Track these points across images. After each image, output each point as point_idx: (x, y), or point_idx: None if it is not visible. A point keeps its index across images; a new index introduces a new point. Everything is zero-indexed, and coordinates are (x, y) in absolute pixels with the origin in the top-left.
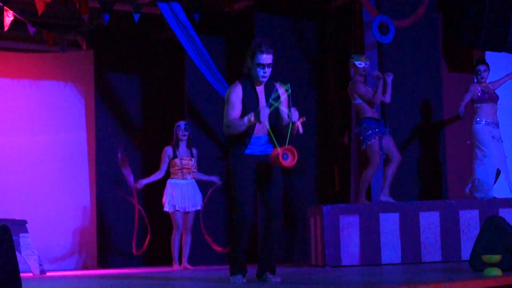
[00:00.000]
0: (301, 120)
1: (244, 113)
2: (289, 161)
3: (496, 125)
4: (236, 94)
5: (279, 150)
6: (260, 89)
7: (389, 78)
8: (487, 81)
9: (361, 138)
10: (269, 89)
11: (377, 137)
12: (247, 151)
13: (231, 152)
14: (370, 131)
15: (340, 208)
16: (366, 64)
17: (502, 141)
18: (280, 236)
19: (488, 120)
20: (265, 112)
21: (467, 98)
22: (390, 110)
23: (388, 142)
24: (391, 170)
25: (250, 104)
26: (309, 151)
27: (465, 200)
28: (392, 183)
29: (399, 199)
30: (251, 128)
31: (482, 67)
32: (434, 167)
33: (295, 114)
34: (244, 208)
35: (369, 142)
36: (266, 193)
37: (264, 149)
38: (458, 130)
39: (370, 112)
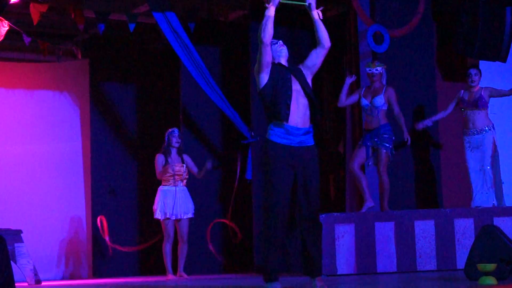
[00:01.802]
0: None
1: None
2: None
3: (477, 132)
4: None
5: None
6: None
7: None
8: (483, 86)
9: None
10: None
11: (366, 145)
12: (282, 140)
13: (266, 140)
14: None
15: (335, 217)
16: (375, 70)
17: (482, 148)
18: (320, 238)
19: (465, 129)
20: None
21: (444, 114)
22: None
23: (380, 154)
24: (383, 184)
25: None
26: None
27: (460, 209)
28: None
29: (394, 207)
30: (284, 106)
31: (473, 71)
32: (429, 175)
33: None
34: (276, 205)
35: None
36: (300, 192)
37: (302, 140)
38: (453, 139)
39: (363, 122)
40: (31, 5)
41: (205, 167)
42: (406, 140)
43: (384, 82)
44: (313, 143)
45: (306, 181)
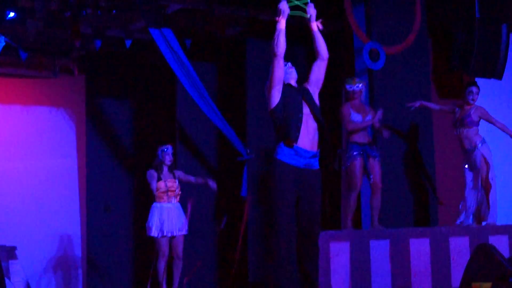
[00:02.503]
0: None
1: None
2: None
3: (467, 150)
4: None
5: None
6: None
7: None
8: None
9: (343, 159)
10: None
11: (358, 159)
12: (291, 160)
13: (275, 158)
14: (352, 152)
15: (330, 235)
16: (356, 87)
17: (475, 167)
18: (317, 258)
19: (460, 147)
20: (283, 3)
21: (433, 105)
22: (380, 136)
23: (374, 169)
24: (375, 200)
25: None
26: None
27: (455, 227)
28: (382, 209)
29: (389, 225)
30: (295, 128)
31: (474, 89)
32: (424, 193)
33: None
34: (286, 224)
35: (347, 164)
36: (303, 213)
37: (309, 162)
38: (448, 156)
39: (356, 137)
40: (28, 21)
41: (208, 183)
42: (387, 136)
43: (363, 98)
44: (318, 167)
45: (309, 203)
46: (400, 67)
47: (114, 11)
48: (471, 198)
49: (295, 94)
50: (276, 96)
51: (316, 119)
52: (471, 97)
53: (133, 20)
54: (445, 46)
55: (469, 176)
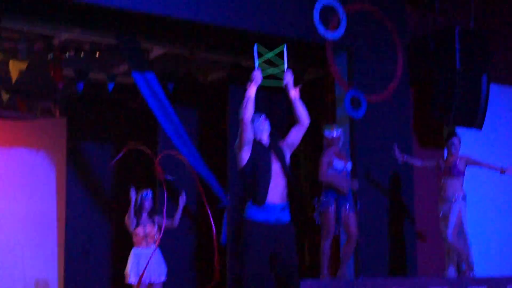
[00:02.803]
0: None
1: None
2: None
3: (446, 199)
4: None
5: None
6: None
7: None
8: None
9: (317, 206)
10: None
11: (333, 206)
12: (261, 218)
13: (245, 219)
14: (326, 199)
15: (309, 284)
16: (335, 133)
17: (449, 217)
18: None
19: (439, 196)
20: (256, 72)
21: (418, 162)
22: (361, 185)
23: (349, 218)
24: (347, 248)
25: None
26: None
27: (434, 277)
28: (361, 258)
29: (369, 274)
30: (263, 187)
31: (455, 140)
32: (404, 243)
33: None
34: (256, 282)
35: (321, 210)
36: (280, 268)
37: (279, 217)
38: (428, 206)
39: (335, 184)
40: (10, 62)
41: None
42: (356, 187)
43: (340, 145)
44: (289, 220)
45: (284, 258)
46: (382, 116)
47: (97, 55)
48: (452, 248)
49: (265, 153)
50: (245, 156)
51: (285, 175)
52: (453, 148)
53: (116, 63)
54: (426, 96)
55: (445, 226)
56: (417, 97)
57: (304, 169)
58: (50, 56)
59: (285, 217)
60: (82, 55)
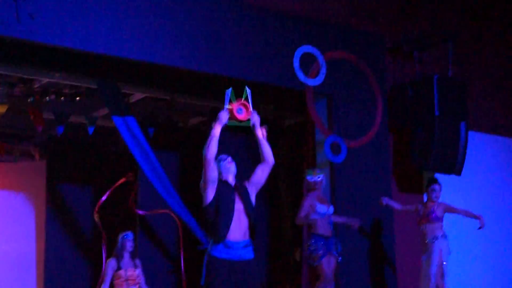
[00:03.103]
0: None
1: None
2: (243, 115)
3: (429, 242)
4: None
5: (234, 105)
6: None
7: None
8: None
9: (313, 255)
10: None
11: (326, 254)
12: (223, 255)
13: (208, 254)
14: (320, 251)
15: None
16: (317, 178)
17: (431, 256)
18: None
19: (421, 243)
20: (223, 112)
21: (398, 206)
22: (342, 230)
23: (330, 262)
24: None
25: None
26: (261, 267)
27: None
28: None
29: None
30: (225, 224)
31: (436, 187)
32: (384, 280)
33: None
34: None
35: (316, 264)
36: None
37: (242, 254)
38: (408, 249)
39: (319, 229)
40: None
41: None
42: (357, 225)
43: (322, 189)
44: (253, 257)
45: None
46: (361, 161)
47: (77, 98)
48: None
49: (229, 193)
50: (210, 195)
51: (247, 215)
52: (434, 195)
53: (96, 107)
54: (405, 142)
55: (426, 267)
56: (397, 143)
57: (287, 211)
58: (30, 99)
59: (248, 254)
60: (62, 98)
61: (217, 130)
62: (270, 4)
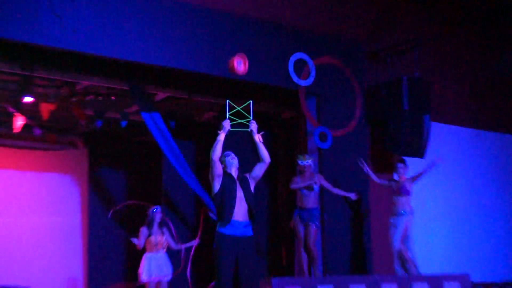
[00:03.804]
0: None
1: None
2: (242, 69)
3: (396, 214)
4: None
5: (234, 59)
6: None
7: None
8: (408, 176)
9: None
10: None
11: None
12: (229, 232)
13: (217, 231)
14: (299, 220)
15: (285, 281)
16: (306, 162)
17: (398, 228)
18: None
19: (391, 211)
20: (226, 122)
21: (375, 178)
22: (327, 201)
23: (310, 232)
24: (313, 255)
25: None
26: (262, 234)
27: (386, 275)
28: (328, 260)
29: (332, 273)
30: (230, 208)
31: (400, 165)
32: (362, 247)
33: (254, 125)
34: (224, 280)
35: (295, 229)
36: (241, 270)
37: (243, 232)
38: (381, 220)
39: (304, 202)
40: (42, 104)
41: (180, 246)
42: (356, 197)
43: (311, 171)
44: (252, 234)
45: (246, 262)
46: (344, 147)
47: (112, 98)
48: (398, 252)
49: (232, 183)
50: (216, 186)
51: (247, 201)
52: (401, 171)
53: (128, 105)
54: (380, 131)
55: (394, 234)
56: (373, 132)
57: (283, 190)
58: (73, 99)
59: (248, 232)
60: (99, 98)
61: (222, 136)
62: (270, 18)
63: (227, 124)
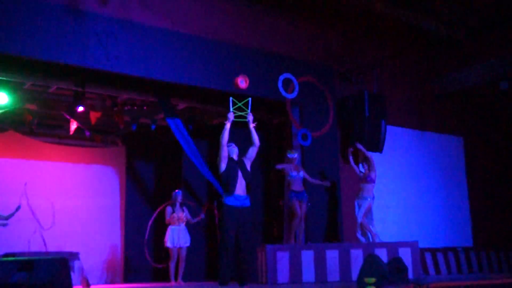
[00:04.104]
0: (253, 124)
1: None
2: (244, 85)
3: (362, 198)
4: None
5: (238, 78)
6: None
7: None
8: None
9: (290, 202)
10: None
11: (295, 201)
12: (232, 203)
13: (223, 203)
14: (294, 200)
15: (277, 247)
16: (293, 155)
17: (362, 208)
18: (248, 260)
19: (357, 195)
20: (230, 114)
21: (356, 168)
22: (309, 186)
23: (302, 207)
24: (301, 226)
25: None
26: (258, 210)
27: (354, 243)
28: (309, 231)
29: (313, 241)
30: (233, 184)
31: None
32: (335, 222)
33: (250, 116)
34: (228, 240)
35: (289, 203)
36: (241, 232)
37: (243, 203)
38: (349, 201)
39: (293, 186)
40: (90, 112)
41: (195, 220)
42: (330, 185)
43: (296, 163)
44: (249, 205)
45: (245, 228)
46: (321, 145)
47: (144, 107)
48: (362, 225)
49: (234, 165)
50: (223, 166)
51: (245, 178)
52: (366, 166)
53: (156, 112)
54: (348, 132)
55: (358, 212)
56: (342, 134)
57: (274, 177)
58: (115, 108)
59: (247, 203)
60: (135, 107)
61: (228, 125)
62: (265, 47)
63: (231, 116)
